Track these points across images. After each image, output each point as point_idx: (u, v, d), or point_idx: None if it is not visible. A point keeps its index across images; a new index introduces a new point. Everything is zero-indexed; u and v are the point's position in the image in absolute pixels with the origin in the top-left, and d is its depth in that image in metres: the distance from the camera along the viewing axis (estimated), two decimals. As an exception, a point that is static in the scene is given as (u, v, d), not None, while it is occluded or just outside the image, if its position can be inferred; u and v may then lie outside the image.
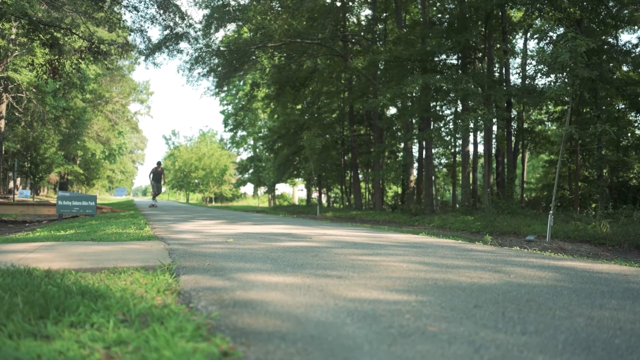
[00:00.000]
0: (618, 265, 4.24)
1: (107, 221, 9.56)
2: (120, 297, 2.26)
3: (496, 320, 2.00)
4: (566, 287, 2.92)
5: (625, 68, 17.42)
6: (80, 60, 16.32)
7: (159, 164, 19.25)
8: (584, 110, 17.10)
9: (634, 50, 17.10)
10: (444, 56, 19.43)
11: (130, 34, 20.19)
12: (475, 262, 4.05)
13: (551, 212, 8.30)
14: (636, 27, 17.23)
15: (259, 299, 2.33)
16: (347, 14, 24.19)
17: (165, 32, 20.55)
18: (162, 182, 19.82)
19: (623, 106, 17.71)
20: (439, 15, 21.54)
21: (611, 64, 16.34)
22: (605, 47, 16.50)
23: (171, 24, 19.38)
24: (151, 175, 19.10)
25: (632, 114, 18.31)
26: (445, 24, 19.54)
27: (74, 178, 49.73)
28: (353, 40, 24.17)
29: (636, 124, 18.84)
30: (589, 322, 2.02)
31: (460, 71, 17.90)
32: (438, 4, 21.80)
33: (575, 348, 1.66)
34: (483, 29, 17.46)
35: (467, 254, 4.60)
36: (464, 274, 3.29)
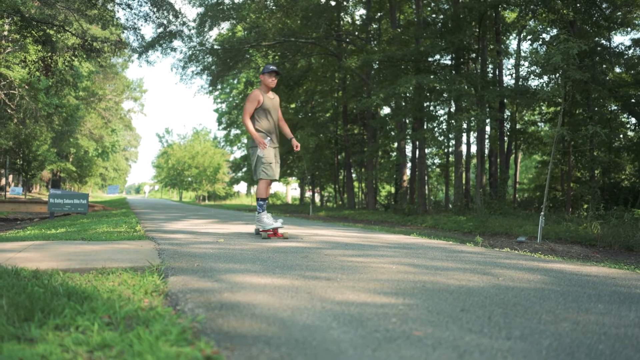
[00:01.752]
0: (607, 268, 4.26)
1: (98, 220, 9.52)
2: (107, 298, 2.25)
3: (482, 325, 2.01)
4: (554, 290, 2.93)
5: (617, 70, 17.51)
6: (73, 58, 16.28)
7: (275, 73, 6.46)
8: (577, 112, 17.18)
9: (626, 52, 17.20)
10: (437, 56, 19.47)
11: (123, 32, 20.15)
12: (464, 264, 4.06)
13: (542, 213, 8.33)
14: (629, 29, 17.32)
15: (246, 302, 2.33)
16: (342, 14, 24.19)
17: (159, 30, 20.53)
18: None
19: (615, 108, 17.80)
20: (433, 16, 21.59)
21: (604, 66, 16.42)
22: (598, 48, 16.58)
23: (165, 22, 19.35)
24: (262, 112, 6.33)
25: (624, 115, 18.41)
26: (439, 24, 19.58)
27: (67, 175, 49.53)
28: (347, 40, 24.17)
29: (628, 126, 18.95)
30: (574, 326, 2.03)
31: (453, 72, 17.95)
32: (432, 4, 21.85)
33: (559, 353, 1.66)
34: (477, 30, 17.51)
35: (457, 256, 4.62)
36: (452, 277, 3.30)
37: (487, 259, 4.45)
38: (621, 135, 18.72)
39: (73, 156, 47.22)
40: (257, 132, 6.25)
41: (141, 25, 30.27)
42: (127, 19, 23.89)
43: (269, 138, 6.28)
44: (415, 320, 2.05)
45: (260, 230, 6.23)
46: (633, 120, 18.29)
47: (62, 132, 35.64)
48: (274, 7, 22.25)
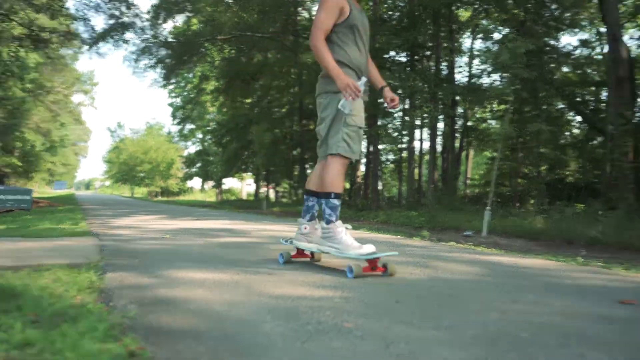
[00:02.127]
0: (544, 260, 4.42)
1: (42, 216, 9.23)
2: (37, 296, 2.18)
3: (413, 316, 2.05)
4: (489, 282, 3.02)
5: (565, 69, 18.11)
6: (19, 48, 15.71)
7: None
8: (525, 110, 17.67)
9: (573, 52, 17.81)
10: (393, 53, 19.66)
11: (73, 22, 19.52)
12: (408, 257, 4.14)
13: (488, 207, 8.56)
14: (577, 30, 17.93)
15: (182, 297, 2.30)
16: (299, 9, 24.11)
17: (111, 22, 19.97)
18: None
19: (562, 106, 18.40)
20: (390, 13, 21.77)
21: (552, 65, 16.94)
22: (547, 48, 17.10)
23: (117, 13, 18.90)
24: (349, 32, 3.23)
25: (571, 114, 19.05)
26: (395, 21, 19.77)
27: (12, 171, 47.67)
28: (304, 36, 24.13)
29: (573, 124, 19.62)
30: (501, 316, 2.10)
31: (408, 69, 18.17)
32: (389, 1, 22.04)
33: (482, 342, 1.72)
34: (431, 28, 17.77)
35: (402, 250, 4.69)
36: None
37: (431, 253, 4.55)
38: (567, 133, 19.38)
39: (19, 151, 45.52)
40: (341, 66, 3.18)
41: (92, 15, 29.42)
42: (77, 9, 23.16)
43: (364, 79, 3.25)
44: (350, 313, 2.07)
45: (352, 262, 3.04)
46: (578, 118, 18.96)
47: (6, 126, 34.23)
48: (230, 1, 22.00)
